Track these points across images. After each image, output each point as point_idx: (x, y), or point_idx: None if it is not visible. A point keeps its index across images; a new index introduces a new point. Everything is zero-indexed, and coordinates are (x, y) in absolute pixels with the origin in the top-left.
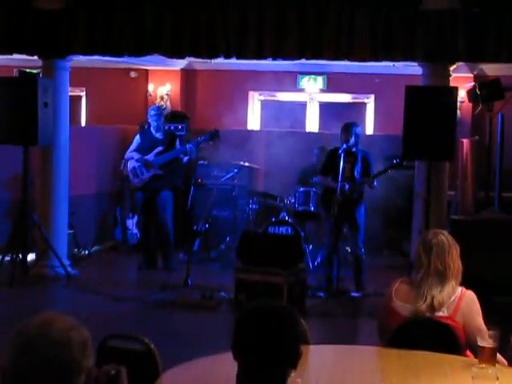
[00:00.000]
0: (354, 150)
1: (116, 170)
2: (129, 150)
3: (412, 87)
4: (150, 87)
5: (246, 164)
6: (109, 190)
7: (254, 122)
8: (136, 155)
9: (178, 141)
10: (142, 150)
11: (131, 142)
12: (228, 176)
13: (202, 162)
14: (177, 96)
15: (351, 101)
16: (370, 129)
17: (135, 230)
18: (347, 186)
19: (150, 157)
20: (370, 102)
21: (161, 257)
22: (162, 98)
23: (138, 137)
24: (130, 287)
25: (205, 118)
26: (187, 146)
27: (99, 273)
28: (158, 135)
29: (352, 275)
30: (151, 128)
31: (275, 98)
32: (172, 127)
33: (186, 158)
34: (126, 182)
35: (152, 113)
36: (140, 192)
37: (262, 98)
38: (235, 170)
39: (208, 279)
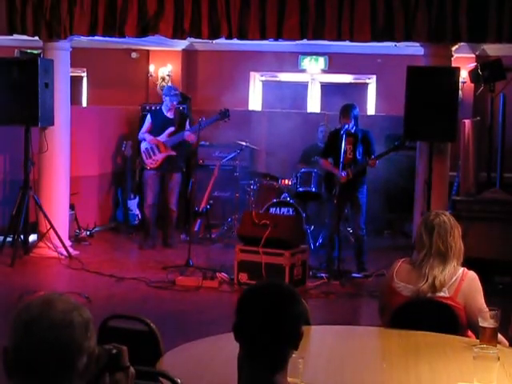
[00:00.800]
0: (353, 131)
1: (117, 150)
2: (141, 131)
3: (414, 68)
4: (151, 68)
5: (248, 145)
6: (110, 171)
7: (255, 102)
8: (148, 136)
9: (188, 121)
10: (154, 130)
11: (133, 123)
12: (229, 157)
13: (203, 142)
14: (178, 77)
15: (353, 81)
16: (371, 109)
17: (136, 211)
18: (345, 172)
19: (163, 137)
20: (371, 82)
21: (161, 235)
22: (163, 79)
23: (148, 117)
24: (131, 267)
25: (206, 99)
26: (198, 125)
27: (101, 253)
28: (169, 115)
29: (353, 256)
30: (162, 108)
31: (276, 79)
32: None
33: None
34: (127, 163)
35: (172, 92)
36: (152, 171)
37: (264, 78)
38: (237, 151)
39: (209, 260)
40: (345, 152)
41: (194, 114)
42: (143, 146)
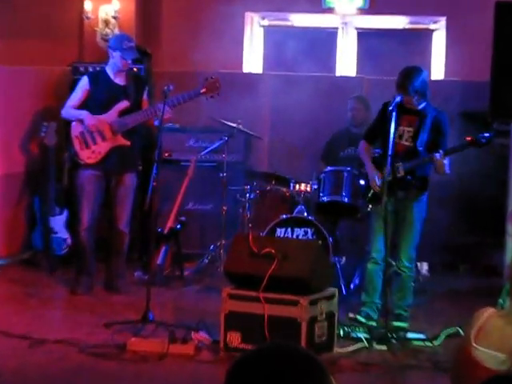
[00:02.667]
0: (420, 107)
1: (33, 136)
2: (69, 104)
3: (506, 4)
4: (88, 5)
5: (241, 128)
6: (21, 170)
7: (252, 61)
8: (85, 113)
9: (147, 90)
10: (94, 104)
11: (59, 93)
12: (212, 147)
13: (170, 125)
14: (130, 21)
15: (408, 27)
16: (437, 71)
17: (64, 234)
18: (401, 166)
19: (109, 116)
20: (438, 28)
21: (104, 272)
22: (106, 23)
23: (84, 82)
24: (56, 324)
25: (175, 56)
26: (175, 98)
27: (6, 301)
28: (119, 80)
29: (394, 302)
30: (107, 69)
31: (287, 23)
32: None
33: (156, 121)
34: (50, 157)
35: (124, 44)
36: (90, 170)
37: (266, 22)
38: (224, 139)
39: (180, 311)
40: (398, 136)
41: (155, 80)
42: (76, 129)
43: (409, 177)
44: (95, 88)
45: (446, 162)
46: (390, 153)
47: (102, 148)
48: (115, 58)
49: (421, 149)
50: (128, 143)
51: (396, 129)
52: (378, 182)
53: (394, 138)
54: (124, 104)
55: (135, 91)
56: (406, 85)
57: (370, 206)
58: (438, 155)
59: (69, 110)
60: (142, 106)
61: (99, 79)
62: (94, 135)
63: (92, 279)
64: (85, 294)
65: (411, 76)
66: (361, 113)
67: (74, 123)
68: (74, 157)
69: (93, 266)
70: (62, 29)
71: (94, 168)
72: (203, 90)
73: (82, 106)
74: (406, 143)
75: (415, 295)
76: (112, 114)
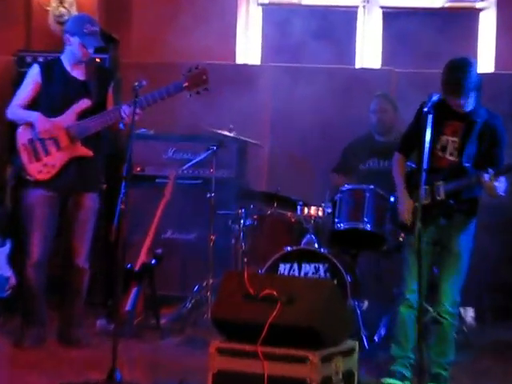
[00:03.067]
0: (468, 110)
1: None
2: (15, 102)
3: None
4: None
5: (234, 135)
6: None
7: (248, 49)
8: (36, 115)
9: (111, 85)
10: (46, 102)
11: (14, 85)
12: (196, 160)
13: (142, 130)
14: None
15: (448, 5)
16: (486, 61)
17: (7, 272)
18: (442, 187)
19: (65, 119)
20: (487, 7)
21: (58, 320)
22: (60, 2)
23: (35, 73)
24: None
25: (148, 43)
26: (149, 96)
27: None
28: (77, 73)
29: (432, 358)
30: (63, 59)
31: (292, 1)
32: None
33: (121, 124)
34: None
35: (86, 28)
36: (41, 190)
37: (266, 0)
38: (212, 148)
39: (156, 369)
40: (441, 149)
41: (124, 73)
42: (23, 135)
43: (451, 200)
44: (48, 82)
45: (498, 183)
46: (424, 167)
47: (56, 160)
48: (73, 45)
49: (467, 165)
50: (90, 153)
51: (437, 138)
52: (406, 214)
53: (430, 148)
54: (84, 103)
55: (98, 87)
56: (460, 85)
57: (403, 234)
58: (486, 176)
59: (15, 109)
60: (107, 105)
61: (53, 71)
62: (46, 144)
63: (43, 329)
64: (33, 347)
65: (465, 72)
66: (389, 115)
67: (20, 128)
68: (21, 172)
69: (44, 311)
70: (4, 8)
71: (45, 186)
72: (186, 85)
73: (33, 104)
74: (451, 158)
75: (458, 350)
76: (69, 117)
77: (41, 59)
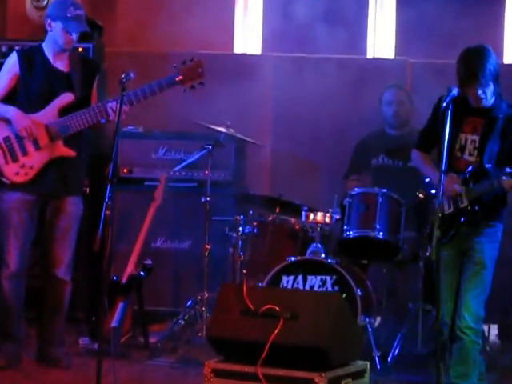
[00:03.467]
0: (486, 105)
1: None
2: None
3: None
4: None
5: (231, 133)
6: None
7: (248, 37)
8: (12, 110)
9: (96, 78)
10: (25, 96)
11: None
12: (190, 161)
13: (130, 128)
14: None
15: None
16: (510, 52)
17: None
18: (464, 191)
19: (47, 115)
20: None
21: (37, 337)
22: None
23: (13, 61)
24: None
25: (136, 31)
26: (139, 91)
27: None
28: (60, 65)
29: (452, 380)
30: (44, 47)
31: None
32: None
33: (103, 120)
34: None
35: (69, 12)
36: (18, 193)
37: None
38: (207, 148)
39: None
40: (459, 149)
41: (110, 64)
42: None
43: (476, 207)
44: (27, 73)
45: None
46: (443, 168)
47: (34, 161)
48: (55, 30)
49: (488, 166)
50: (72, 153)
51: (455, 136)
52: (453, 185)
53: (448, 147)
54: (66, 98)
55: (82, 80)
56: (477, 73)
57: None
58: (505, 177)
59: None
60: (92, 101)
61: (34, 61)
62: (23, 142)
63: (19, 346)
64: (9, 367)
65: (481, 59)
66: (405, 108)
67: None
68: None
69: (20, 327)
70: None
71: (23, 189)
72: (179, 78)
73: (11, 97)
74: (471, 158)
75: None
76: (50, 113)
77: (17, 48)
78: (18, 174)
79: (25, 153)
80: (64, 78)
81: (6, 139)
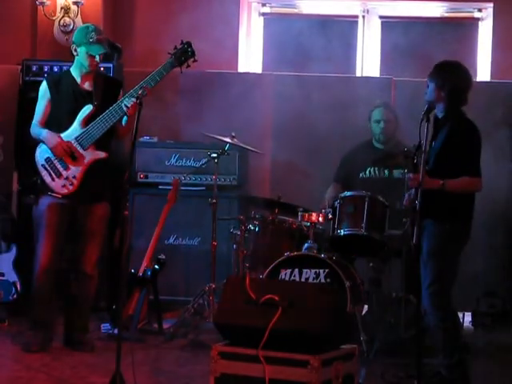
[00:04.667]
0: (440, 114)
1: None
2: (35, 120)
3: None
4: None
5: (235, 142)
6: None
7: (250, 58)
8: (44, 133)
9: (121, 94)
10: (57, 117)
11: (5, 99)
12: (199, 167)
13: (145, 138)
14: (97, 9)
15: (446, 15)
16: (483, 71)
17: (12, 277)
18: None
19: (73, 130)
20: (484, 17)
21: (64, 325)
22: (65, 11)
23: (44, 89)
24: None
25: (151, 53)
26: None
27: None
28: (87, 85)
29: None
30: (72, 71)
31: (293, 11)
32: None
33: (124, 118)
34: None
35: (92, 37)
36: (57, 199)
37: (268, 10)
38: (212, 156)
39: (159, 373)
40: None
41: (128, 82)
42: (40, 154)
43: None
44: (56, 96)
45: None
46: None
47: (75, 171)
48: (80, 55)
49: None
50: (104, 155)
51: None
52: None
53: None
54: (88, 110)
55: (103, 93)
56: (438, 76)
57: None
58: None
59: (34, 127)
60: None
61: (61, 84)
62: (62, 159)
63: (51, 333)
64: (40, 351)
65: (442, 68)
66: (392, 125)
67: (40, 149)
68: (44, 190)
69: (51, 316)
70: (11, 18)
71: (61, 197)
72: (175, 62)
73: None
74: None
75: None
76: (76, 127)
77: (45, 68)
78: (64, 186)
79: (65, 167)
80: (88, 95)
81: (47, 160)
